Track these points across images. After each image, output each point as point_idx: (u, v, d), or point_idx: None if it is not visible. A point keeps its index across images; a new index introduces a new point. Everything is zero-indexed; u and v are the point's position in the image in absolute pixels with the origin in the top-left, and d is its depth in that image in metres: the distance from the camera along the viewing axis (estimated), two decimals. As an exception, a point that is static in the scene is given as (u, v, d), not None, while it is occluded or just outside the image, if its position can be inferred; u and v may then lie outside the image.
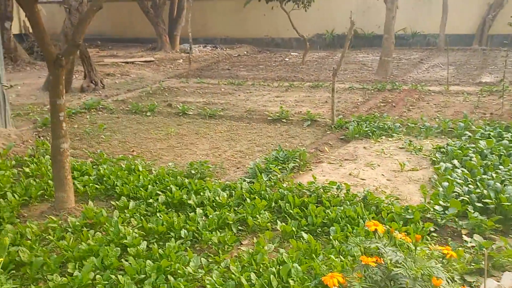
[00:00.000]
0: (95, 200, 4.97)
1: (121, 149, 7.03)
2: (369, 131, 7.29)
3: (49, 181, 5.05)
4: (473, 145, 6.13)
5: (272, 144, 7.14)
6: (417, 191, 5.07)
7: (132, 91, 12.28)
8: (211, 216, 4.23)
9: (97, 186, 5.02)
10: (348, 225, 4.09)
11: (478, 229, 4.01)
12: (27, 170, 5.51)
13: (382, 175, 5.71)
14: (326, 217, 4.20)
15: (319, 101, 10.31)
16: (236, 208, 4.53)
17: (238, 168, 6.11)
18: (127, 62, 18.37)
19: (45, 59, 4.45)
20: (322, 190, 4.67)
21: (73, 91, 12.17)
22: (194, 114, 9.21)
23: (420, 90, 10.68)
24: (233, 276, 3.25)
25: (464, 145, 6.13)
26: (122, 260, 3.50)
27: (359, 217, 4.20)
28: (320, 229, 4.14)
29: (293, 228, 4.02)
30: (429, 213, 4.30)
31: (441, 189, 4.73)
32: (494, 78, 11.91)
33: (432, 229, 4.09)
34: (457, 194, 4.56)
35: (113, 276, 3.18)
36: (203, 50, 22.12)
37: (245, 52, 21.04)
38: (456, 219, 4.16)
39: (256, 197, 4.63)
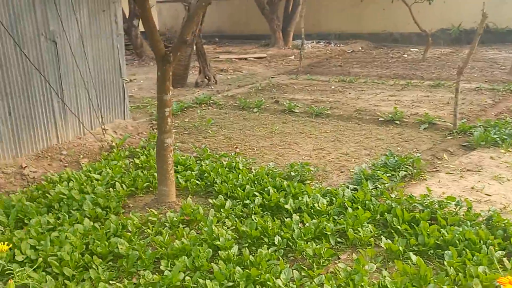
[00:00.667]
0: (194, 195, 5.01)
1: (225, 145, 7.06)
2: (498, 139, 6.35)
3: (155, 174, 5.19)
4: None
5: (382, 148, 6.60)
6: (559, 215, 4.22)
7: (242, 86, 12.45)
8: (307, 224, 3.94)
9: (197, 181, 5.04)
10: (467, 249, 3.50)
11: None
12: (137, 161, 5.76)
13: (512, 191, 4.88)
14: (441, 237, 3.65)
15: (440, 102, 9.37)
16: (336, 218, 4.18)
17: (342, 172, 5.72)
18: (240, 58, 18.81)
19: (154, 55, 4.54)
20: (437, 206, 4.09)
21: (188, 85, 12.74)
22: (300, 112, 8.96)
23: None
24: (326, 296, 2.94)
25: None
26: (212, 263, 3.39)
27: (481, 241, 3.58)
28: (432, 252, 3.61)
29: (400, 247, 3.56)
30: None
31: None
32: None
33: None
34: None
35: (201, 280, 3.08)
36: (315, 46, 21.76)
37: (360, 48, 20.21)
38: None
39: (359, 207, 4.23)
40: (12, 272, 3.24)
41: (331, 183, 5.35)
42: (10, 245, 3.35)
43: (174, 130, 7.99)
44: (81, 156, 6.17)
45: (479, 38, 6.76)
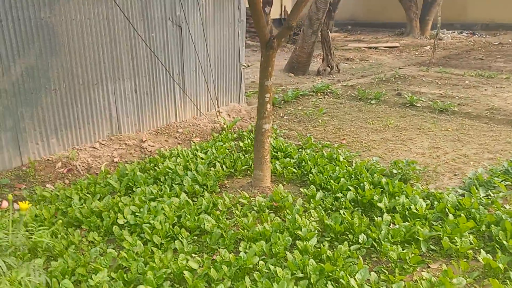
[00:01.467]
0: (289, 183, 5.02)
1: (333, 135, 6.91)
2: None
3: (255, 158, 5.34)
4: None
5: (510, 153, 5.82)
6: None
7: (365, 77, 12.00)
8: (397, 226, 3.68)
9: (294, 170, 5.03)
10: None
11: None
12: (241, 144, 5.97)
13: None
14: (556, 261, 3.12)
15: None
16: (433, 223, 3.83)
17: (455, 175, 5.19)
18: (370, 47, 18.11)
19: (260, 41, 4.61)
20: (558, 224, 3.48)
21: (310, 74, 12.71)
22: (423, 107, 8.32)
23: None
24: (399, 304, 2.73)
25: None
26: (287, 252, 3.37)
27: None
28: (542, 276, 3.10)
29: (501, 265, 3.12)
30: None
31: None
32: None
33: None
34: None
35: (272, 267, 3.09)
36: (456, 36, 19.96)
37: (510, 41, 17.95)
38: None
39: (463, 214, 3.81)
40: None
41: (439, 185, 4.91)
42: (31, 204, 3.60)
43: (285, 117, 8.08)
44: (194, 135, 6.61)
45: None
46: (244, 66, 8.13)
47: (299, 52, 12.37)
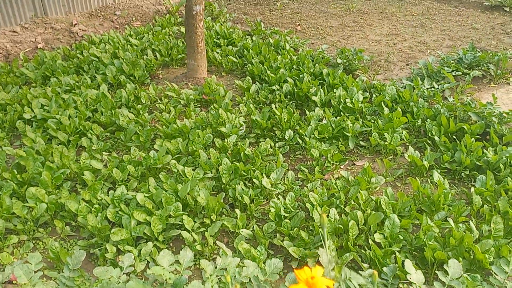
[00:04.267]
0: (229, 74, 4.64)
1: (289, 20, 6.35)
2: None
3: (195, 46, 4.86)
4: None
5: (472, 39, 5.43)
6: None
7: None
8: (325, 121, 3.43)
9: (235, 59, 4.61)
10: (510, 177, 2.80)
11: None
12: (182, 30, 5.43)
13: None
14: (484, 158, 2.95)
15: None
16: (369, 117, 3.59)
17: (408, 64, 4.85)
18: None
19: None
20: (496, 119, 3.26)
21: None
22: (392, -12, 7.65)
23: None
24: (307, 206, 2.57)
25: None
26: (201, 151, 3.13)
27: (536, 171, 2.82)
28: (467, 173, 2.96)
29: (426, 162, 2.94)
30: None
31: None
32: None
33: None
34: None
35: (180, 167, 2.85)
36: None
37: None
38: None
39: (399, 108, 3.55)
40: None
41: (388, 76, 4.59)
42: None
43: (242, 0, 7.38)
44: (134, 18, 5.98)
45: None
46: None
47: None
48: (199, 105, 3.88)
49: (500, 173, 2.84)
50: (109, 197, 2.62)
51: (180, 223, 2.46)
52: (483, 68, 4.41)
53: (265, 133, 3.45)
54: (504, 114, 3.28)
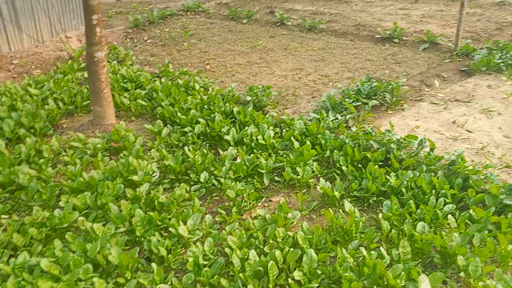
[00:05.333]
0: (139, 118, 4.54)
1: (197, 60, 6.42)
2: (502, 64, 5.52)
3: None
4: None
5: (368, 70, 5.86)
6: (542, 162, 3.62)
7: (242, -7, 11.37)
8: (239, 160, 3.46)
9: (144, 102, 4.53)
10: (414, 198, 3.00)
11: None
12: (87, 75, 5.23)
13: (500, 128, 4.23)
14: (388, 183, 3.14)
15: (453, 18, 8.30)
16: (280, 152, 3.68)
17: (313, 97, 5.09)
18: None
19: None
20: (394, 146, 3.51)
21: (184, -10, 11.72)
22: (293, 25, 8.07)
23: None
24: (226, 250, 2.53)
25: None
26: (111, 204, 2.99)
27: (434, 190, 3.05)
28: (375, 199, 3.12)
29: (337, 193, 3.07)
30: (545, 202, 2.94)
31: None
32: None
33: (541, 228, 2.79)
34: None
35: (88, 224, 2.68)
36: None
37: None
38: None
39: (308, 141, 3.69)
40: None
41: (297, 109, 4.77)
42: None
43: (149, 41, 7.34)
44: (34, 66, 5.67)
45: None
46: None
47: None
48: (108, 154, 3.72)
49: (403, 196, 3.03)
50: (10, 266, 2.38)
51: (91, 286, 2.29)
52: (380, 97, 4.75)
53: (179, 177, 3.39)
54: (401, 140, 3.53)
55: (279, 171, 3.53)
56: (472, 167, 3.22)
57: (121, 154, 3.58)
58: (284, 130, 3.95)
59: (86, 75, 5.27)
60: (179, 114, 4.09)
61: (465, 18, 7.90)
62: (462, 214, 2.81)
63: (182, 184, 3.18)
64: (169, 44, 7.18)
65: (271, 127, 3.93)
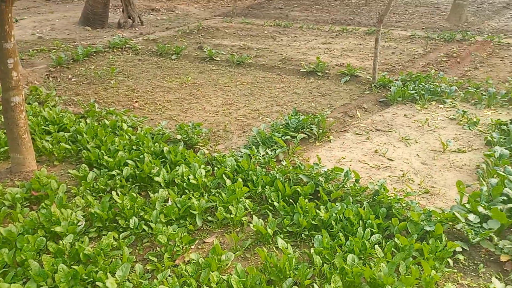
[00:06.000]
0: (64, 162, 4.33)
1: (126, 98, 6.30)
2: (416, 94, 5.95)
3: (21, 136, 4.44)
4: (548, 125, 4.69)
5: (295, 103, 6.06)
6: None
7: (170, 29, 11.40)
8: (170, 202, 3.40)
9: (68, 146, 4.33)
10: (343, 231, 3.09)
11: (525, 259, 2.84)
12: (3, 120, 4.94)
13: (417, 155, 4.52)
14: (318, 217, 3.22)
15: (370, 51, 8.86)
16: (213, 191, 3.66)
17: (244, 132, 5.16)
18: (177, -3, 17.41)
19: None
20: (322, 179, 3.63)
21: (111, 26, 11.53)
22: (222, 61, 8.21)
23: (497, 43, 8.82)
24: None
25: (535, 124, 4.70)
26: (31, 261, 2.79)
27: (362, 221, 3.17)
28: (306, 233, 3.18)
29: (269, 230, 3.09)
30: (460, 224, 3.16)
31: (485, 188, 3.53)
32: None
33: (459, 249, 2.99)
34: (506, 198, 3.34)
35: (5, 286, 2.48)
36: (261, -15, 20.48)
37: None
38: (496, 239, 3.01)
39: (240, 178, 3.71)
40: None
41: (228, 145, 4.80)
42: None
43: (74, 80, 7.10)
44: None
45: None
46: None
47: (94, 3, 11.05)
48: (28, 204, 3.50)
49: (333, 229, 3.12)
50: None
51: None
52: (307, 130, 4.91)
53: (107, 225, 3.24)
54: (328, 172, 3.66)
55: (212, 210, 3.50)
56: (394, 195, 3.39)
57: (43, 204, 3.37)
58: (216, 168, 3.94)
59: (2, 119, 4.98)
60: (105, 156, 3.96)
61: (381, 51, 8.48)
62: (388, 243, 2.94)
63: (110, 232, 3.05)
64: (95, 82, 7.00)
65: (203, 166, 3.91)
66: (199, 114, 5.71)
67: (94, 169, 3.97)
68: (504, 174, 3.62)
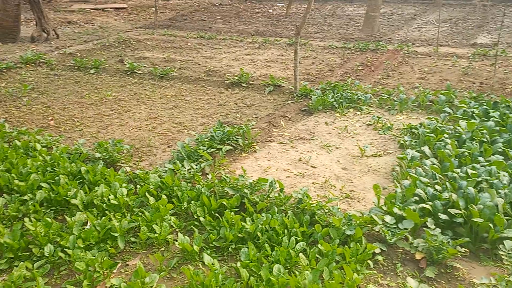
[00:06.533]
0: (-31, 190, 3.97)
1: (40, 116, 5.94)
2: (335, 103, 6.20)
3: None
4: (451, 126, 5.09)
5: (221, 115, 6.06)
6: (374, 188, 4.09)
7: (88, 42, 10.97)
8: (89, 226, 3.24)
9: (-27, 172, 3.99)
10: (269, 241, 3.12)
11: (437, 254, 3.04)
12: None
13: (338, 161, 4.70)
14: (244, 229, 3.22)
15: (292, 62, 9.10)
16: (136, 210, 3.54)
17: (169, 146, 5.06)
18: (96, 9, 16.79)
19: None
20: (248, 190, 3.65)
21: (23, 41, 10.85)
22: (144, 74, 8.02)
23: (406, 52, 9.46)
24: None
25: (440, 126, 5.07)
26: None
27: (287, 230, 3.22)
28: (233, 247, 3.17)
29: (195, 246, 3.04)
30: (378, 226, 3.31)
31: (399, 189, 3.74)
32: (491, 39, 10.68)
33: (377, 251, 3.13)
34: (418, 198, 3.55)
35: None
36: (183, -3, 20.41)
37: (229, 1, 19.41)
38: (411, 238, 3.20)
39: (164, 195, 3.63)
40: None
41: (153, 161, 4.68)
42: None
43: (-20, 98, 6.58)
44: None
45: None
46: None
47: (3, 16, 10.36)
48: None
49: (259, 240, 3.13)
50: None
51: None
52: (233, 142, 4.93)
53: (19, 254, 3.01)
54: (253, 184, 3.69)
55: (136, 231, 3.38)
56: (317, 202, 3.49)
57: None
58: (138, 186, 3.82)
59: None
60: (16, 180, 3.69)
61: (302, 61, 8.77)
62: (312, 249, 3.01)
63: (22, 262, 2.83)
64: (6, 100, 6.53)
65: (124, 184, 3.77)
66: (121, 130, 5.53)
67: (4, 194, 3.68)
68: (416, 176, 3.87)
